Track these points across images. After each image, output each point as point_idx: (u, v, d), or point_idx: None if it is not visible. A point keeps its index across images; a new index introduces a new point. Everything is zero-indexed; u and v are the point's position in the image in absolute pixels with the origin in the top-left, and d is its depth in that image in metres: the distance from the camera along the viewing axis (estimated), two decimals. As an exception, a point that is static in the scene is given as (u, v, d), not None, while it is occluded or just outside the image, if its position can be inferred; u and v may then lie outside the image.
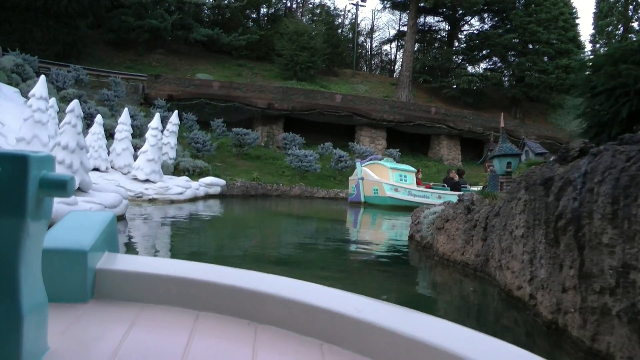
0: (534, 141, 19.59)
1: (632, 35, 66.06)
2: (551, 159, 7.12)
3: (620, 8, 68.88)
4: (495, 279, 7.56)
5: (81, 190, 15.68)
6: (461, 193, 12.86)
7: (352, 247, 12.43)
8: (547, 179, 5.73)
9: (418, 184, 28.06)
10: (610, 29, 68.99)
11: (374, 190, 27.47)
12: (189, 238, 12.42)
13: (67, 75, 35.86)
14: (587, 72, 9.66)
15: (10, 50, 34.42)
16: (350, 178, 29.53)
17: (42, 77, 19.07)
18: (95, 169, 22.03)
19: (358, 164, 28.69)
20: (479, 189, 20.33)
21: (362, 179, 27.91)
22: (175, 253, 9.87)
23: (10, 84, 29.19)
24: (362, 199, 27.80)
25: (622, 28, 69.01)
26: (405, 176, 28.04)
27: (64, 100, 29.90)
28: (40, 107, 18.02)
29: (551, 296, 5.41)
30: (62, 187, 1.36)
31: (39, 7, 40.07)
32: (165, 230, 13.60)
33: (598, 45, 71.87)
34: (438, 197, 25.40)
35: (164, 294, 1.94)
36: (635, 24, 67.97)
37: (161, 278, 1.95)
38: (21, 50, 35.40)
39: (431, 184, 29.06)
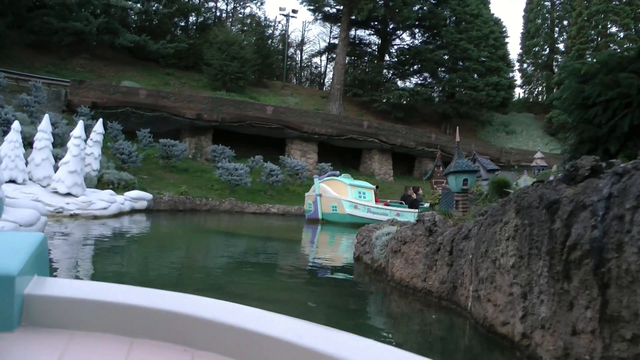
0: (484, 157, 19.11)
1: (558, 55, 67.98)
2: (550, 178, 6.30)
3: (547, 30, 70.66)
4: (468, 311, 6.76)
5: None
6: (418, 211, 12.17)
7: (297, 267, 11.59)
8: (551, 202, 4.90)
9: (376, 201, 27.66)
10: (537, 49, 70.73)
11: (333, 207, 26.93)
12: (113, 258, 11.59)
13: None
14: (577, 82, 8.86)
15: None
16: (306, 194, 28.88)
17: None
18: (11, 181, 20.62)
19: (316, 180, 28.15)
20: (426, 206, 19.80)
21: (320, 195, 27.29)
22: (99, 275, 9.02)
23: None
24: (320, 216, 27.19)
25: (547, 49, 70.87)
26: (364, 193, 27.65)
27: None
28: (-49, 112, 16.45)
29: (556, 338, 4.60)
30: None
31: None
32: (88, 249, 12.60)
33: (525, 65, 73.67)
34: (396, 215, 24.89)
35: (95, 320, 1.85)
36: (560, 45, 69.88)
37: (93, 303, 1.86)
38: None
39: (388, 200, 28.66)
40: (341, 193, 27.11)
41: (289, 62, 72.82)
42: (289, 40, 73.97)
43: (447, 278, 7.66)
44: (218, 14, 68.33)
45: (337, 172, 30.65)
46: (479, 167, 16.78)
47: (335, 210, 26.83)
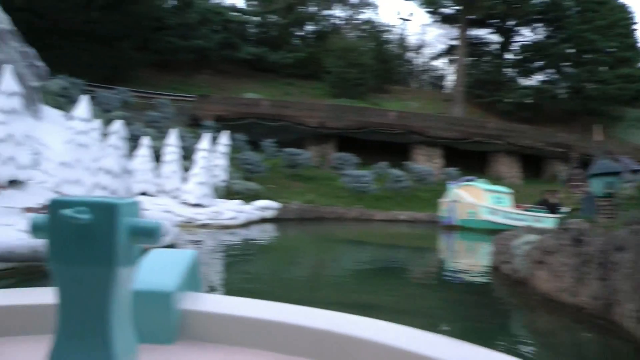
0: (628, 157, 17.51)
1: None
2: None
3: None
4: (628, 332, 5.73)
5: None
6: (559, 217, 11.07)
7: (429, 276, 10.78)
8: None
9: (516, 207, 26.59)
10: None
11: (470, 213, 25.96)
12: (244, 267, 11.30)
13: (113, 97, 35.64)
14: None
15: (58, 74, 34.09)
16: (441, 200, 28.12)
17: (85, 97, 17.99)
18: (143, 194, 21.06)
19: (451, 186, 27.44)
20: (566, 211, 18.42)
21: (456, 201, 26.44)
22: (232, 285, 9.08)
23: (56, 107, 28.80)
24: (456, 223, 26.20)
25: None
26: (501, 198, 26.66)
27: (110, 123, 29.30)
28: (83, 128, 16.82)
29: None
30: (151, 234, 1.38)
31: (85, 31, 40.29)
32: (220, 258, 12.31)
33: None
34: (536, 221, 23.51)
35: (251, 337, 1.86)
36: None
37: (248, 320, 1.89)
38: (69, 74, 35.13)
39: (526, 206, 27.31)
40: (478, 198, 26.10)
41: (408, 66, 71.78)
42: (407, 44, 72.94)
43: (599, 294, 6.85)
44: (335, 21, 68.00)
45: (473, 177, 29.51)
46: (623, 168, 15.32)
47: (473, 216, 25.77)
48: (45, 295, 1.87)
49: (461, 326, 6.56)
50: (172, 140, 23.20)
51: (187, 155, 26.70)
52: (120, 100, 36.13)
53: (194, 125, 37.79)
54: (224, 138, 27.25)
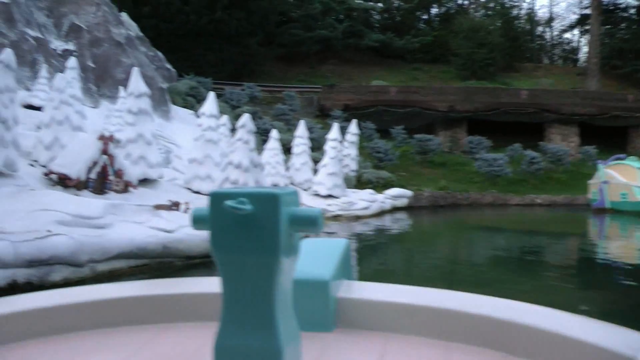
0: None
1: None
2: None
3: None
4: None
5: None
6: None
7: (575, 266, 9.80)
8: None
9: None
10: None
11: (622, 195, 24.22)
12: (383, 256, 10.80)
13: (241, 93, 36.10)
14: None
15: (186, 75, 35.34)
16: (590, 182, 26.58)
17: (211, 94, 18.05)
18: (274, 186, 20.72)
19: (600, 166, 25.73)
20: None
21: (607, 182, 24.78)
22: (371, 276, 8.14)
23: (185, 106, 29.43)
24: (608, 205, 24.64)
25: None
26: None
27: (239, 119, 29.67)
28: (211, 125, 16.94)
29: None
30: (312, 222, 1.37)
31: (210, 30, 41.24)
32: (356, 248, 11.94)
33: None
34: None
35: (409, 323, 1.83)
36: None
37: (406, 306, 1.85)
38: (196, 74, 36.27)
39: None
40: (631, 178, 24.19)
41: (538, 42, 68.97)
42: (536, 18, 70.13)
43: None
44: (460, 2, 66.18)
45: (623, 155, 27.55)
46: None
47: (626, 198, 23.94)
48: (210, 285, 1.97)
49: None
50: (301, 132, 23.03)
51: (317, 146, 26.54)
52: (248, 95, 36.58)
53: (321, 116, 37.82)
54: (353, 127, 26.90)
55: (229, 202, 1.30)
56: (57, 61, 23.14)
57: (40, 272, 8.58)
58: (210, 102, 17.40)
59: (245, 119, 14.53)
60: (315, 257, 1.99)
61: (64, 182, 12.91)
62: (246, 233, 1.34)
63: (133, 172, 15.01)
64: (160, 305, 1.97)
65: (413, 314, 1.85)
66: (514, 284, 7.88)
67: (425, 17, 62.09)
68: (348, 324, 1.91)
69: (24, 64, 21.50)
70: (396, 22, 56.51)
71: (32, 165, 14.61)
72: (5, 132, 11.81)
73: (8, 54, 12.10)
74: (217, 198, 1.35)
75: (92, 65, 25.28)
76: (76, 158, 13.05)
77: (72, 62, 18.36)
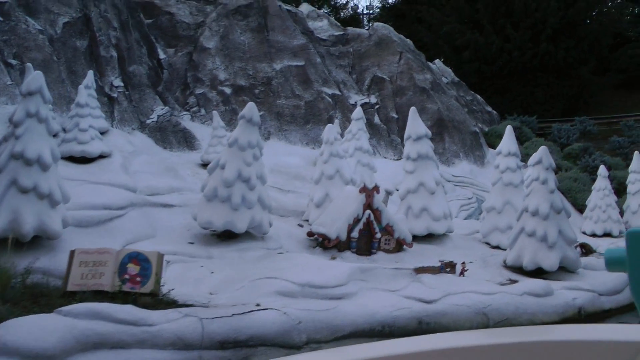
0: None
1: None
2: None
3: None
4: None
5: (566, 270, 11.36)
6: None
7: None
8: None
9: None
10: None
11: None
12: None
13: (571, 129, 32.69)
14: None
15: (509, 116, 33.45)
16: None
17: (509, 128, 15.80)
18: (606, 234, 18.03)
19: None
20: None
21: None
22: None
23: None
24: None
25: None
26: None
27: (568, 158, 27.27)
28: (510, 165, 14.27)
29: None
30: None
31: (535, 65, 39.08)
32: None
33: None
34: None
35: None
36: None
37: None
38: (523, 114, 34.37)
39: None
40: None
41: None
42: None
43: None
44: None
45: None
46: None
47: None
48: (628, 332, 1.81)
49: None
50: (635, 166, 19.23)
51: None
52: (579, 130, 32.93)
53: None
54: None
55: None
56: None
57: (236, 356, 7.26)
58: (508, 138, 14.83)
59: (541, 152, 11.68)
60: None
61: (323, 243, 11.39)
62: None
63: (415, 227, 13.04)
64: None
65: None
66: None
67: None
68: None
69: (319, 122, 21.44)
70: None
71: (300, 225, 13.46)
72: (248, 191, 10.65)
73: (250, 109, 11.03)
74: (636, 237, 1.26)
75: (395, 116, 24.24)
76: (337, 215, 11.45)
77: (357, 112, 17.28)
